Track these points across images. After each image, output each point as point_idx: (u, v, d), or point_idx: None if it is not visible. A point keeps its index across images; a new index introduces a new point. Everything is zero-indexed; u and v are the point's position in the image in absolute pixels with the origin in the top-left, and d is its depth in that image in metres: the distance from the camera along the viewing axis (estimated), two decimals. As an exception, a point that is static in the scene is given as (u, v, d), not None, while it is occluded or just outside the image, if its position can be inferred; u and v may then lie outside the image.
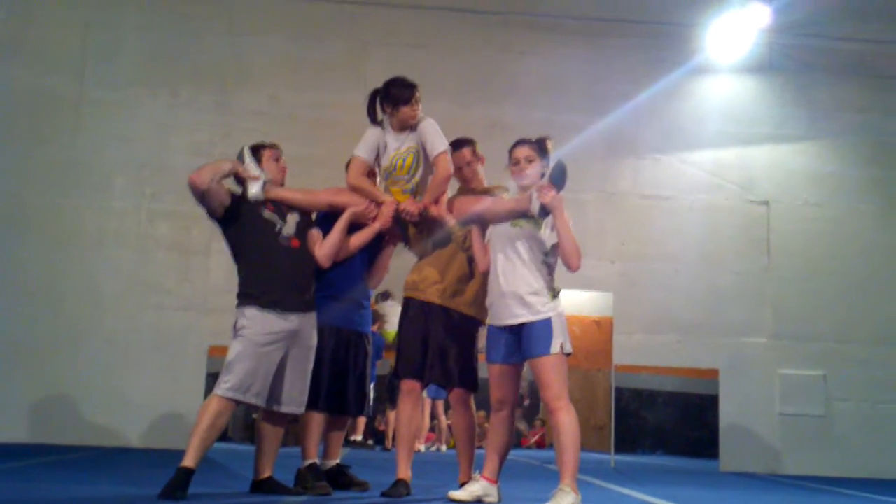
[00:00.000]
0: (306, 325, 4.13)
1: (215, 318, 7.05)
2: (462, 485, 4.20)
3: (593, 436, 9.02)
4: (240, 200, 4.15)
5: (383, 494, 4.15)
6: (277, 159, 4.32)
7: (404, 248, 4.66)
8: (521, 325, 3.93)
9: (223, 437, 4.58)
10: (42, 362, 7.18)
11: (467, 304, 4.32)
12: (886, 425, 7.79)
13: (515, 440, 6.99)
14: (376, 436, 9.22)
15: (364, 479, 4.50)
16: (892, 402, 7.86)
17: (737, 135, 8.28)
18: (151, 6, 7.97)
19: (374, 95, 4.44)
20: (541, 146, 4.15)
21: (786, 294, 7.97)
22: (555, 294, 3.96)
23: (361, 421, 8.58)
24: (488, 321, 4.13)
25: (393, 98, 4.34)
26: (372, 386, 4.95)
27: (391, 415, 8.46)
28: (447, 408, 8.78)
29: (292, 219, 4.22)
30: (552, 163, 4.03)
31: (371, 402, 4.77)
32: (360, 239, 4.37)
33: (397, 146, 4.40)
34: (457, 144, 4.46)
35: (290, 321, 4.03)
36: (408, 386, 4.30)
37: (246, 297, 4.04)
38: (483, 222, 4.18)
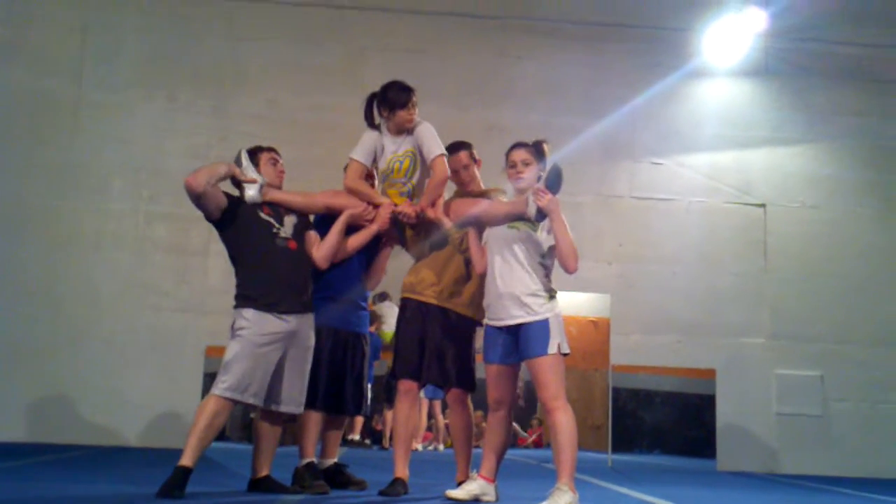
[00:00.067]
0: (304, 326, 4.15)
1: (213, 319, 7.06)
2: (459, 484, 4.21)
3: (590, 435, 9.05)
4: (237, 203, 4.17)
5: (381, 493, 4.17)
6: (275, 162, 4.35)
7: (402, 249, 4.69)
8: (519, 326, 3.95)
9: (221, 436, 4.59)
10: (41, 362, 7.21)
11: (464, 304, 4.35)
12: (884, 425, 7.81)
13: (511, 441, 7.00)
14: (373, 435, 9.25)
15: (361, 478, 4.51)
16: (889, 403, 7.88)
17: (734, 138, 8.31)
18: (150, 9, 7.99)
19: (372, 99, 4.47)
20: (537, 149, 4.17)
21: (783, 296, 8.00)
22: (552, 295, 3.98)
23: (359, 420, 8.61)
24: (485, 321, 4.15)
25: (390, 102, 4.37)
26: (369, 386, 4.97)
27: (388, 414, 8.49)
28: (444, 407, 8.80)
29: (289, 221, 4.25)
30: (548, 166, 4.05)
31: (368, 402, 4.79)
32: (357, 240, 4.40)
33: (394, 149, 4.42)
34: (454, 148, 4.49)
35: (287, 322, 4.06)
36: (405, 386, 4.32)
37: (244, 298, 4.07)
38: (480, 225, 4.21)
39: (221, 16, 8.01)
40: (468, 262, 4.32)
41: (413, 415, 4.41)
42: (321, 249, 4.28)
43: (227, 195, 4.16)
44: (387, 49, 7.97)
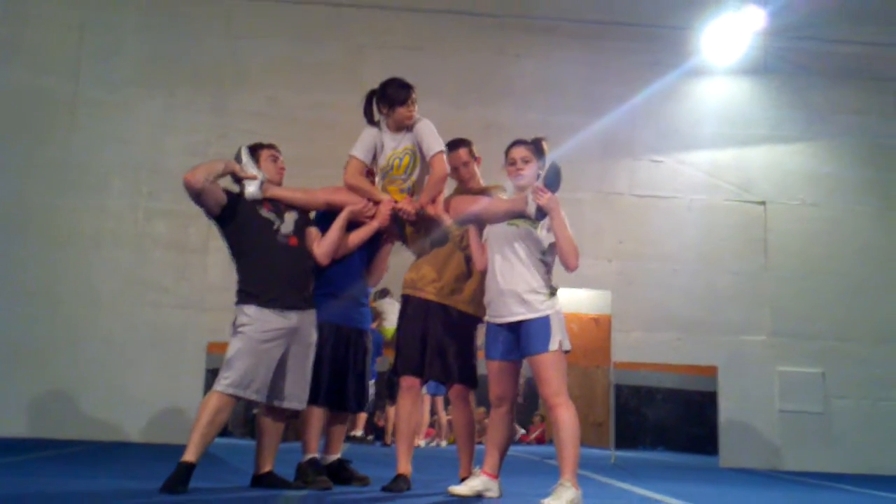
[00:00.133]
0: (305, 323, 4.16)
1: (213, 316, 7.07)
2: (462, 480, 4.22)
3: (593, 432, 9.06)
4: (237, 199, 4.17)
5: (384, 489, 4.17)
6: (275, 159, 4.35)
7: (402, 246, 4.69)
8: (520, 323, 3.95)
9: (224, 432, 4.61)
10: (41, 359, 7.20)
11: (465, 301, 4.35)
12: (885, 422, 7.82)
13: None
14: (376, 431, 9.25)
15: (364, 474, 4.51)
16: (890, 400, 7.89)
17: (733, 136, 8.32)
18: (149, 7, 7.98)
19: (371, 96, 4.47)
20: (537, 147, 4.17)
21: (783, 293, 8.01)
22: (552, 292, 3.99)
23: (362, 416, 8.62)
24: (486, 318, 4.16)
25: (389, 99, 4.37)
26: (372, 382, 4.97)
27: (391, 411, 8.49)
28: (447, 404, 8.81)
29: (290, 217, 4.25)
30: (547, 164, 4.05)
31: (370, 399, 4.80)
32: (358, 237, 4.40)
33: (394, 146, 4.43)
34: (453, 145, 4.49)
35: (289, 319, 4.06)
36: (407, 382, 4.33)
37: (245, 295, 4.07)
38: (480, 222, 4.21)
39: (220, 14, 8.01)
40: (469, 259, 4.32)
41: (415, 411, 4.41)
42: (322, 246, 4.28)
43: (227, 192, 4.16)
44: (385, 47, 7.97)
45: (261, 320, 3.99)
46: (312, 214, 4.44)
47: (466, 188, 4.52)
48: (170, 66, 7.87)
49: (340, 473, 4.46)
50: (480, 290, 4.22)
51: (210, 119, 7.76)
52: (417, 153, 4.40)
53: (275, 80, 7.92)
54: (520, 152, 4.13)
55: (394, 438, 5.69)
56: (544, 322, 3.90)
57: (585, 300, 8.24)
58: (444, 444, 9.09)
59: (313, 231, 4.33)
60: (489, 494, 4.08)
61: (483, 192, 4.43)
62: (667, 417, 8.59)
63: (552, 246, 4.01)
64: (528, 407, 10.58)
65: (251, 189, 4.19)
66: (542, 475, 5.58)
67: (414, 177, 4.44)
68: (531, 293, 3.93)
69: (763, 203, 8.19)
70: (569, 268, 3.96)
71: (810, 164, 8.32)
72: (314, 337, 4.22)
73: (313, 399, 4.26)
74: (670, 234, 8.04)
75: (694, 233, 8.07)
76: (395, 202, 4.37)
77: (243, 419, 8.26)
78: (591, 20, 8.30)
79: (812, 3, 8.14)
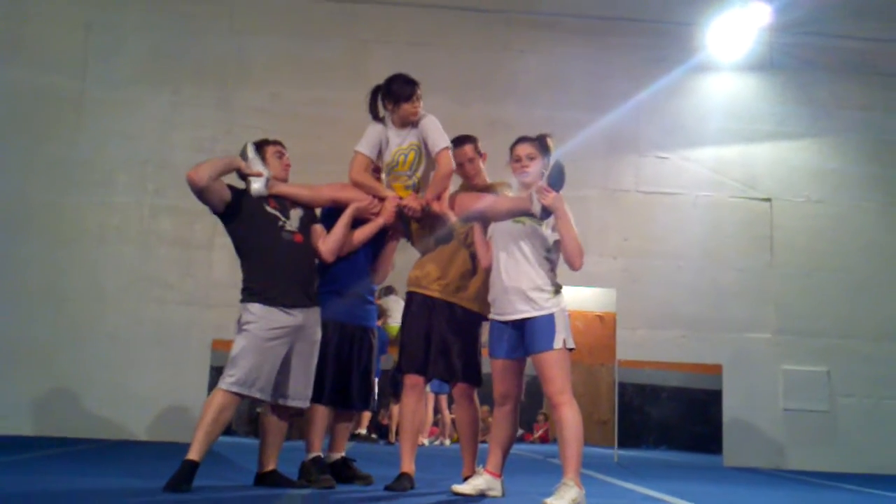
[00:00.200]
0: (310, 320, 4.15)
1: (218, 313, 7.07)
2: (466, 479, 4.20)
3: (597, 430, 9.05)
4: (241, 195, 4.16)
5: (387, 488, 4.17)
6: (281, 155, 4.34)
7: (407, 243, 4.67)
8: (524, 321, 3.93)
9: (228, 430, 4.60)
10: (46, 357, 7.22)
11: (470, 299, 4.33)
12: (890, 421, 7.80)
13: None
14: (380, 430, 9.25)
15: (368, 473, 4.50)
16: (895, 399, 7.87)
17: (738, 132, 8.30)
18: (153, 5, 8.00)
19: (376, 92, 4.44)
20: (542, 143, 4.14)
21: (789, 290, 7.99)
22: (557, 290, 3.97)
23: (366, 415, 8.61)
24: (491, 316, 4.14)
25: (394, 95, 4.34)
26: (376, 380, 4.96)
27: (394, 409, 8.49)
28: (451, 402, 8.80)
29: (295, 214, 4.23)
30: (551, 163, 4.02)
31: (375, 397, 4.79)
32: (363, 234, 4.38)
33: (399, 142, 4.41)
34: (459, 141, 4.47)
35: (293, 316, 4.05)
36: (411, 380, 4.31)
37: (250, 292, 4.06)
38: (484, 219, 4.20)
39: (223, 11, 8.02)
40: (474, 257, 4.31)
41: (419, 409, 4.41)
42: (327, 243, 4.27)
43: (232, 188, 4.15)
44: (389, 43, 7.96)
45: (265, 318, 3.98)
46: (318, 212, 4.43)
47: (472, 185, 4.50)
48: (174, 63, 7.88)
49: (344, 472, 4.45)
50: (485, 287, 4.21)
51: (215, 116, 7.77)
52: (423, 149, 4.38)
53: (279, 77, 7.93)
54: (525, 149, 4.11)
55: (397, 437, 5.68)
56: (549, 320, 3.88)
57: (590, 297, 8.22)
58: (447, 442, 9.08)
59: (318, 228, 4.31)
60: (492, 493, 4.07)
61: (488, 188, 4.42)
62: (671, 416, 8.56)
63: (557, 243, 3.99)
64: (532, 405, 10.56)
65: (257, 186, 4.17)
66: (545, 474, 5.57)
67: (419, 173, 4.42)
68: (536, 291, 3.92)
69: (768, 199, 8.18)
70: (573, 267, 3.94)
71: (815, 160, 8.30)
72: (319, 335, 4.21)
73: (317, 397, 4.25)
74: (675, 230, 8.03)
75: (699, 229, 8.06)
76: (401, 199, 4.35)
77: (247, 417, 8.25)
78: (596, 16, 8.29)
79: (817, -2, 8.12)
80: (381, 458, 6.23)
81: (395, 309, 7.95)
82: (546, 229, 3.99)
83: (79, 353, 7.25)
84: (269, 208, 4.17)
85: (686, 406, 8.81)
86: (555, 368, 3.85)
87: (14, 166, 7.55)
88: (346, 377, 4.38)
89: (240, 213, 4.14)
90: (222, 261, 7.13)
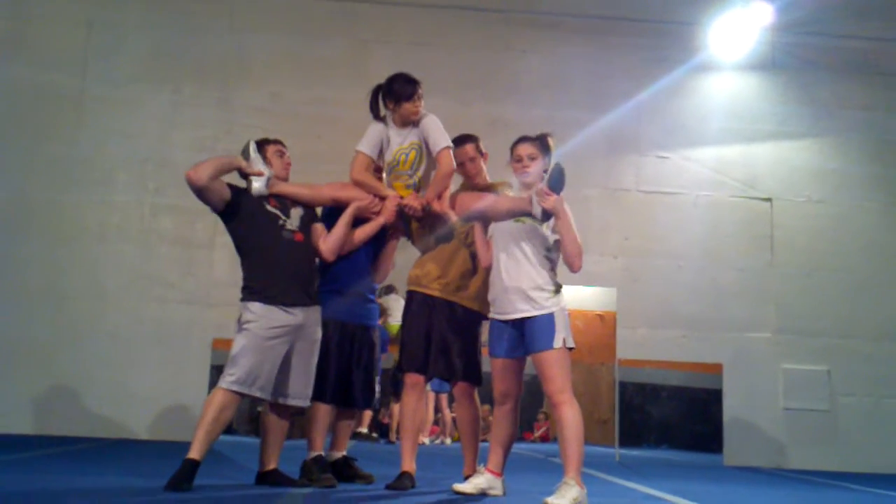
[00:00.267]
0: (310, 319, 4.14)
1: (219, 312, 7.08)
2: (467, 478, 4.20)
3: (597, 430, 9.05)
4: (241, 194, 4.16)
5: (388, 487, 4.16)
6: (282, 154, 4.34)
7: (408, 242, 4.67)
8: (524, 320, 3.93)
9: (228, 429, 4.60)
10: (47, 356, 7.23)
11: (470, 298, 4.33)
12: (891, 420, 7.80)
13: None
14: (380, 429, 9.25)
15: (369, 472, 4.50)
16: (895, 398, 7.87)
17: (740, 132, 8.30)
18: (153, 3, 8.00)
19: (377, 91, 4.43)
20: (543, 143, 4.14)
21: (789, 290, 7.99)
22: (557, 289, 3.97)
23: (367, 413, 8.61)
24: (491, 315, 4.14)
25: (395, 94, 4.34)
26: (377, 379, 4.96)
27: (395, 408, 8.49)
28: (451, 401, 8.80)
29: (296, 213, 4.23)
30: (552, 165, 4.02)
31: (377, 395, 4.79)
32: (364, 233, 4.38)
33: (400, 142, 4.41)
34: (460, 140, 4.47)
35: (294, 315, 4.05)
36: (412, 379, 4.31)
37: (250, 291, 4.06)
38: (485, 219, 4.20)
39: (223, 9, 8.02)
40: (474, 256, 4.31)
41: (420, 408, 4.41)
42: (328, 242, 4.27)
43: (232, 186, 4.15)
44: (390, 42, 7.97)
45: (266, 317, 3.99)
46: (319, 211, 4.43)
47: (473, 184, 4.50)
48: (174, 62, 7.88)
49: (345, 471, 4.45)
50: (485, 286, 4.20)
51: (216, 114, 7.77)
52: (423, 149, 4.38)
53: (279, 76, 7.93)
54: (526, 149, 4.11)
55: (398, 436, 5.68)
56: (549, 319, 3.88)
57: (591, 297, 8.21)
58: (448, 441, 9.08)
59: (319, 227, 4.31)
60: (493, 492, 4.07)
61: (489, 188, 4.42)
62: (671, 415, 8.56)
63: (557, 243, 3.99)
64: (532, 404, 10.56)
65: (257, 185, 4.17)
66: (546, 473, 5.57)
67: (420, 172, 4.42)
68: (536, 290, 3.92)
69: (769, 199, 8.18)
70: (572, 269, 3.95)
71: (817, 160, 8.30)
72: (319, 334, 4.21)
73: (320, 396, 4.25)
74: (676, 230, 8.03)
75: (699, 229, 8.06)
76: (401, 198, 4.35)
77: (248, 416, 8.26)
78: (598, 15, 8.29)
79: (819, -2, 8.11)
80: (382, 457, 6.23)
81: (396, 308, 7.95)
82: (546, 229, 4.00)
83: (79, 351, 7.26)
84: (269, 207, 4.17)
85: (687, 405, 8.81)
86: (555, 367, 3.85)
87: (14, 164, 7.56)
88: (349, 376, 4.38)
89: (240, 211, 4.14)
90: (223, 260, 7.14)
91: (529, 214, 3.95)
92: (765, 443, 7.71)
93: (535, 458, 7.36)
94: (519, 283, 3.94)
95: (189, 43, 7.91)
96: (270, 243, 4.12)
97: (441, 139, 4.32)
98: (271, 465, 4.20)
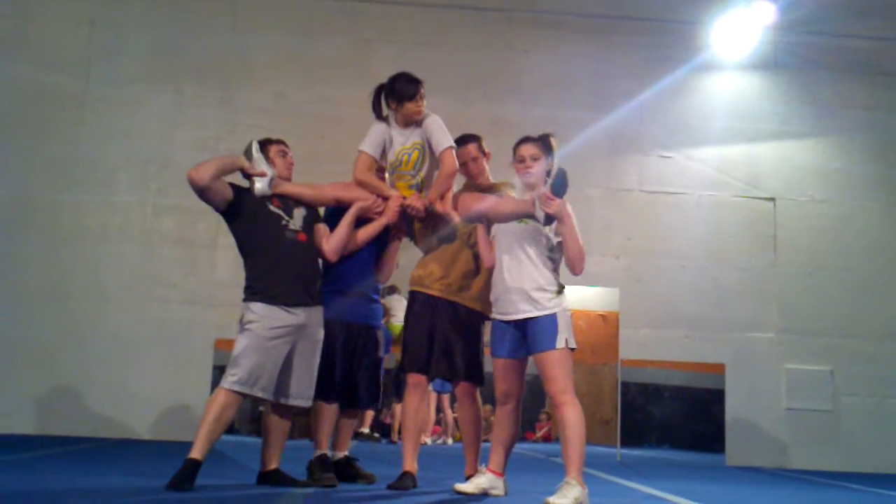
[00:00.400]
0: (312, 319, 4.14)
1: (221, 312, 7.08)
2: (468, 478, 4.20)
3: (599, 430, 9.05)
4: (244, 194, 4.16)
5: (390, 487, 4.16)
6: (285, 154, 4.33)
7: (410, 242, 4.67)
8: (527, 321, 3.93)
9: (230, 429, 4.60)
10: (49, 356, 7.23)
11: (473, 298, 4.33)
12: (894, 420, 7.80)
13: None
14: (382, 429, 9.25)
15: (370, 472, 4.50)
16: (898, 398, 7.87)
17: (742, 131, 8.30)
18: (155, 3, 8.00)
19: (380, 91, 4.43)
20: (545, 143, 4.12)
21: (792, 290, 7.99)
22: (560, 290, 3.97)
23: (369, 414, 8.62)
24: (493, 315, 4.14)
25: (398, 94, 4.34)
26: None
27: (397, 408, 8.49)
28: (453, 401, 8.80)
29: (299, 213, 4.23)
30: (554, 167, 4.01)
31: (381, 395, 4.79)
32: (366, 233, 4.38)
33: (402, 141, 4.40)
34: (462, 140, 4.46)
35: (296, 315, 4.05)
36: (414, 379, 4.31)
37: (252, 291, 4.06)
38: (487, 220, 4.19)
39: (226, 9, 8.02)
40: (476, 256, 4.30)
41: (422, 408, 4.41)
42: (330, 242, 4.26)
43: (234, 186, 4.15)
44: (392, 42, 7.96)
45: (268, 317, 3.98)
46: (322, 211, 4.43)
47: (475, 184, 4.49)
48: (176, 61, 7.89)
49: (347, 471, 4.45)
50: (488, 287, 4.20)
51: (218, 115, 7.77)
52: (426, 149, 4.38)
53: (282, 76, 7.94)
54: (528, 150, 4.10)
55: (400, 436, 5.68)
56: (551, 320, 3.88)
57: (593, 297, 8.21)
58: (450, 441, 9.09)
59: (322, 227, 4.31)
60: (495, 492, 4.07)
61: (491, 188, 4.41)
62: (673, 415, 8.56)
63: (560, 244, 3.98)
64: (534, 405, 10.55)
65: (260, 185, 4.17)
66: (547, 473, 5.57)
67: (423, 172, 4.42)
68: (538, 291, 3.91)
69: (772, 199, 8.17)
70: (574, 272, 3.94)
71: (819, 159, 8.29)
72: (321, 334, 4.21)
73: (326, 396, 4.25)
74: (678, 230, 8.02)
75: (702, 229, 8.05)
76: (404, 198, 4.35)
77: (250, 416, 8.26)
78: (600, 15, 8.28)
79: (822, -3, 8.11)
80: (384, 456, 6.23)
81: (398, 308, 7.95)
82: (549, 230, 3.99)
83: (81, 352, 7.27)
84: (272, 207, 4.17)
85: (689, 405, 8.81)
86: (557, 368, 3.85)
87: (16, 164, 7.56)
88: (353, 376, 4.38)
89: (243, 211, 4.13)
90: (226, 260, 7.15)
91: (532, 217, 3.94)
92: (767, 443, 7.70)
93: (536, 459, 7.35)
94: (521, 283, 3.94)
95: (191, 42, 7.91)
96: (273, 243, 4.12)
97: (444, 139, 4.32)
98: (273, 465, 4.19)
